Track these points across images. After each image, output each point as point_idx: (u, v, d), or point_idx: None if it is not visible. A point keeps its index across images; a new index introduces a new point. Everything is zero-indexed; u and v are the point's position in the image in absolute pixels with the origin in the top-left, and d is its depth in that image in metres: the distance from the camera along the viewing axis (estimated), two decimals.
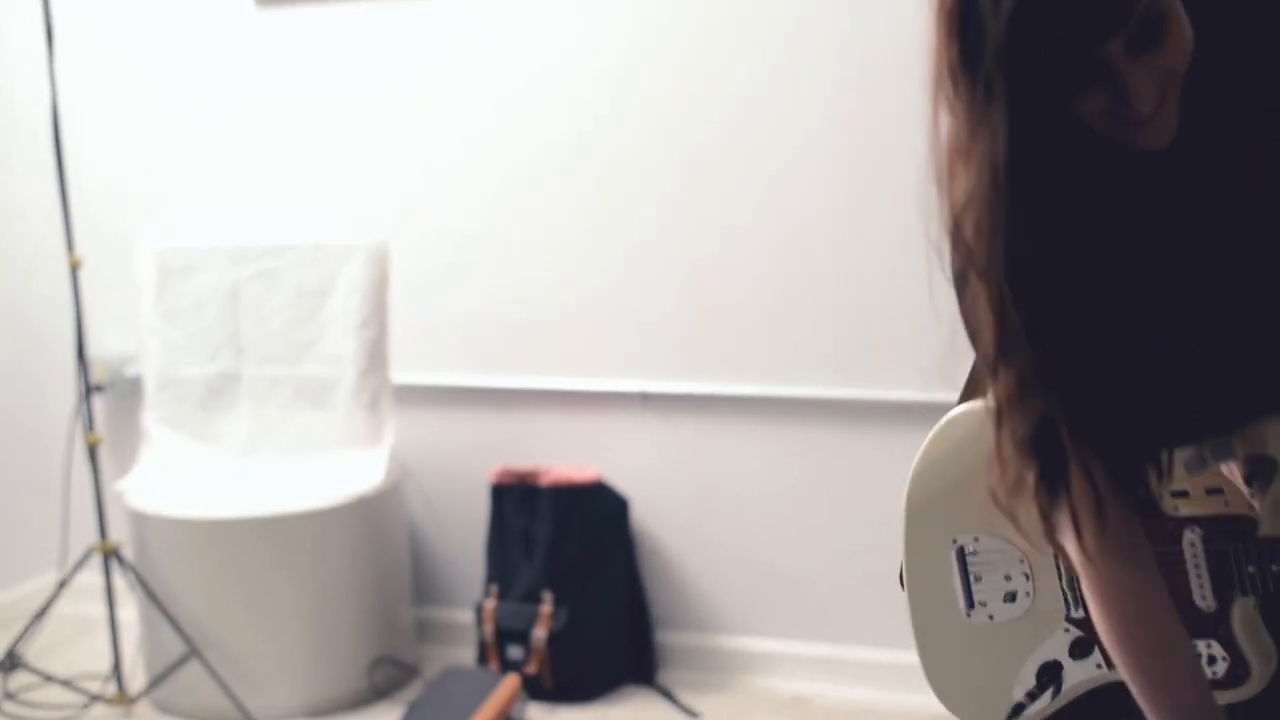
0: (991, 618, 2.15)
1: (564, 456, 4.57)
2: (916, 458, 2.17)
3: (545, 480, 4.49)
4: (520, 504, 4.53)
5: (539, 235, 4.52)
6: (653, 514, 4.55)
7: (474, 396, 4.67)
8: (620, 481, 4.52)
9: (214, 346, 4.63)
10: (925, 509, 2.18)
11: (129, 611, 4.59)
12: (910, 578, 2.22)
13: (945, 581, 2.18)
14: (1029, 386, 1.75)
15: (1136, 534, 1.89)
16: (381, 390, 4.52)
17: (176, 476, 4.58)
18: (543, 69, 4.45)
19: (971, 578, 2.16)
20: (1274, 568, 1.92)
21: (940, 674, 2.23)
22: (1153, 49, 1.65)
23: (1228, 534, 1.96)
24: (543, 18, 4.41)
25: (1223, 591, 1.97)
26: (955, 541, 2.16)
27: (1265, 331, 1.83)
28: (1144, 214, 1.79)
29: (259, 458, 4.60)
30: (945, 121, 1.73)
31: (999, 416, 1.79)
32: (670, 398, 4.46)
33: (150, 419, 4.68)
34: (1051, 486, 1.80)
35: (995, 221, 1.70)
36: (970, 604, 2.16)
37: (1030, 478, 1.79)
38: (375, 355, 4.50)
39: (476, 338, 4.65)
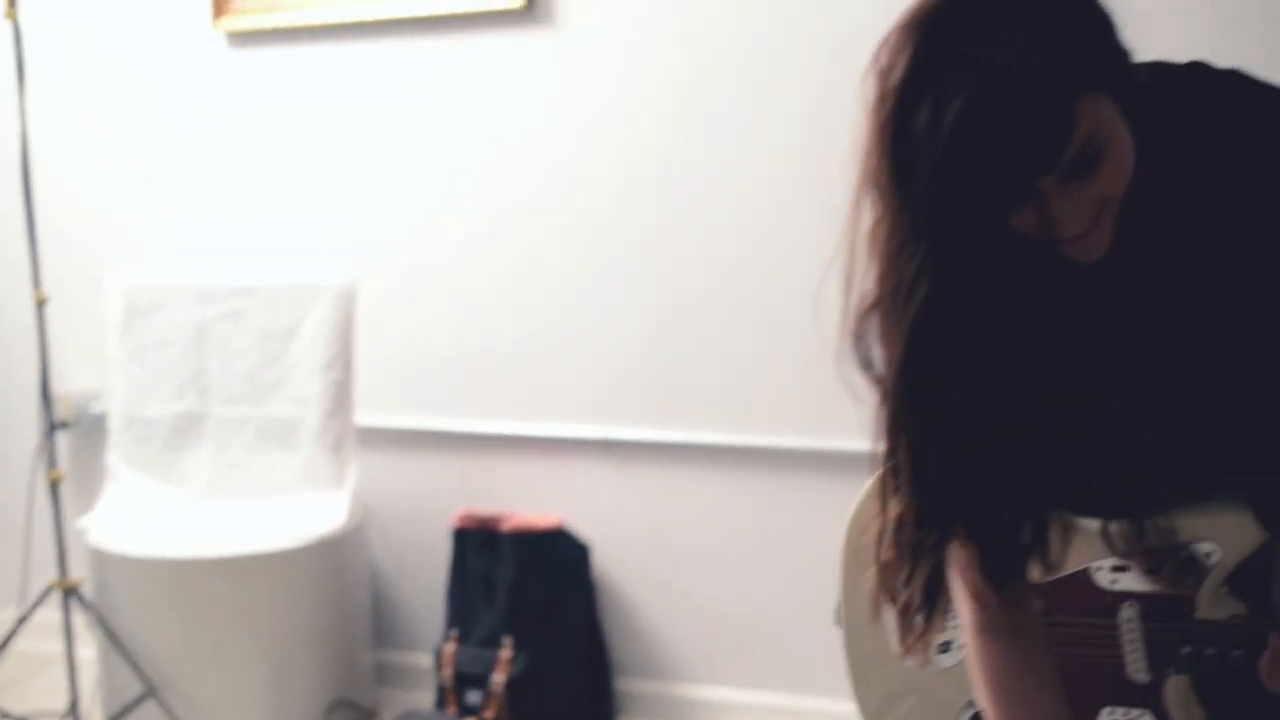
0: (927, 663, 2.18)
1: (527, 501, 4.57)
2: (856, 502, 2.21)
3: (507, 525, 4.48)
4: (481, 548, 4.53)
5: (505, 281, 4.53)
6: (614, 561, 4.55)
7: (438, 440, 4.68)
8: (582, 528, 4.53)
9: (179, 385, 4.63)
10: (863, 555, 2.19)
11: (88, 649, 4.58)
12: (848, 618, 2.25)
13: (881, 625, 2.20)
14: (919, 491, 1.80)
15: (1023, 616, 1.91)
16: (345, 432, 4.51)
17: (139, 515, 4.57)
18: (511, 112, 4.46)
19: None
20: (1208, 650, 1.94)
21: (873, 713, 2.26)
22: (1083, 179, 1.67)
23: (1165, 613, 1.98)
24: (511, 63, 4.43)
25: (1158, 666, 1.99)
26: None
27: (1194, 428, 1.87)
28: (1070, 315, 1.83)
29: (222, 498, 4.58)
30: (865, 216, 1.77)
31: (887, 502, 1.84)
32: (633, 445, 4.47)
33: (114, 457, 4.67)
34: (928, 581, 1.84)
35: (901, 342, 1.74)
36: None
37: (908, 571, 1.84)
38: (340, 397, 4.50)
39: (441, 381, 4.65)
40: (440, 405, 4.66)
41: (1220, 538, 1.93)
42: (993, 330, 1.73)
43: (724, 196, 4.26)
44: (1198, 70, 1.89)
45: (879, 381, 1.78)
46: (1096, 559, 2.00)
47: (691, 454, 4.41)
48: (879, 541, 1.85)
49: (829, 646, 4.14)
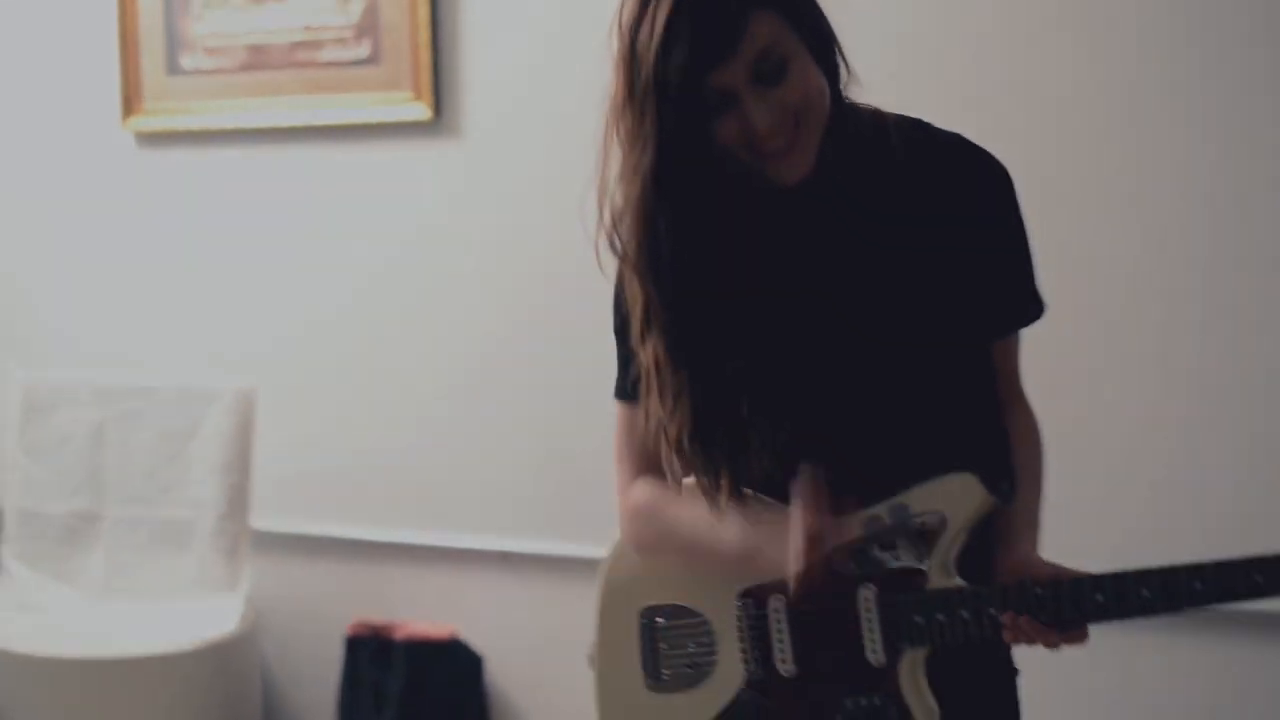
0: (675, 689, 2.18)
1: (421, 611, 4.53)
2: (613, 545, 2.26)
3: (400, 634, 4.45)
4: (374, 657, 4.48)
5: (405, 389, 4.54)
6: (508, 673, 4.50)
7: (334, 546, 4.65)
8: (477, 639, 4.48)
9: (76, 484, 4.63)
10: (620, 586, 2.31)
11: None
12: (602, 655, 2.27)
13: (633, 656, 2.22)
14: (665, 362, 2.05)
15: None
16: (240, 536, 4.49)
17: (32, 613, 4.55)
18: (415, 221, 4.50)
19: (660, 651, 2.23)
20: (939, 617, 1.95)
21: None
22: (772, 85, 1.94)
23: (900, 587, 1.99)
24: (417, 172, 4.48)
25: (893, 645, 1.99)
26: (643, 616, 2.25)
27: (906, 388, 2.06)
28: (772, 238, 2.04)
29: (114, 598, 4.56)
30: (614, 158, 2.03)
31: (646, 384, 2.11)
32: (530, 557, 4.43)
33: (7, 554, 4.66)
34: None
35: (644, 223, 2.00)
36: (655, 677, 2.23)
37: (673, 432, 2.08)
38: (236, 500, 4.48)
39: (339, 487, 4.64)
40: (337, 512, 4.64)
41: (949, 505, 1.96)
42: (704, 232, 1.98)
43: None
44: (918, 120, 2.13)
45: (633, 269, 2.06)
46: None
47: (589, 568, 4.35)
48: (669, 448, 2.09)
49: None
